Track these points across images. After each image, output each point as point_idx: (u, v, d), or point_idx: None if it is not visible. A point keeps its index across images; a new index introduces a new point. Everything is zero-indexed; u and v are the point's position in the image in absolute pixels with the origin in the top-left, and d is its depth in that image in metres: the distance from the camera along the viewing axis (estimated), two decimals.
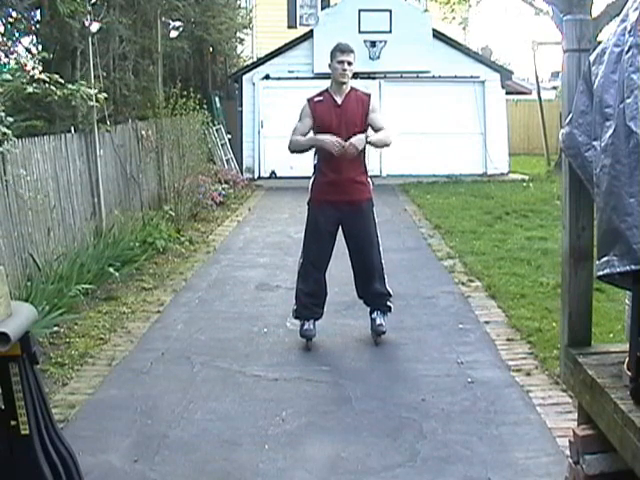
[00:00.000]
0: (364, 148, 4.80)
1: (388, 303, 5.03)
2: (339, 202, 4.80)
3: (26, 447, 2.32)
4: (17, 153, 5.73)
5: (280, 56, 15.16)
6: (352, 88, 4.85)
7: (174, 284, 6.67)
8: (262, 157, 15.14)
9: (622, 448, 2.17)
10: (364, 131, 4.77)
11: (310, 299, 4.96)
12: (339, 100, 4.78)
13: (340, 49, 4.75)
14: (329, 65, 4.81)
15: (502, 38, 64.07)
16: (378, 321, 4.98)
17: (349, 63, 4.73)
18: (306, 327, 4.95)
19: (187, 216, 9.66)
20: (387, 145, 4.92)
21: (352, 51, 4.78)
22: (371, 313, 5.04)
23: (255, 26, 19.29)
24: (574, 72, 2.58)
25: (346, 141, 4.63)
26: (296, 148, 4.82)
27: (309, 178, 4.96)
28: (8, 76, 5.60)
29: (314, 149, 4.85)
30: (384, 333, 4.98)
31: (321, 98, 4.83)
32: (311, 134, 4.82)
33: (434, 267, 7.25)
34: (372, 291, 4.99)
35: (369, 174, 4.97)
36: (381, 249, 4.97)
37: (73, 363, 4.64)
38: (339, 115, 4.75)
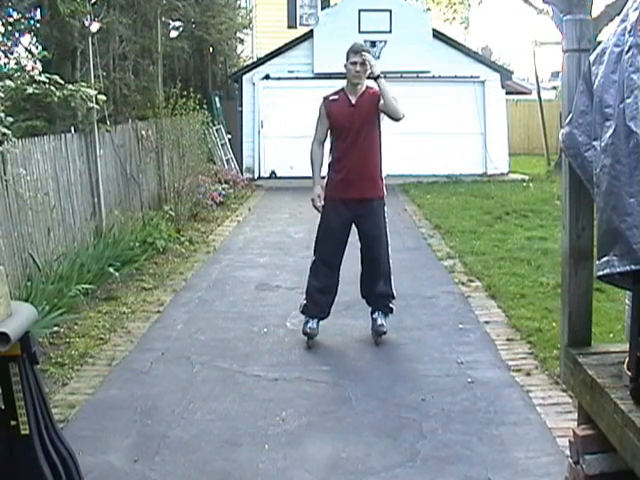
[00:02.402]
0: (380, 148, 4.89)
1: (390, 305, 5.05)
2: (351, 200, 4.85)
3: (26, 447, 2.31)
4: (17, 153, 5.73)
5: (280, 56, 15.15)
6: (367, 87, 4.90)
7: (174, 284, 6.66)
8: (262, 157, 15.14)
9: (622, 448, 2.17)
10: (378, 128, 4.87)
11: (321, 295, 5.00)
12: (353, 100, 4.84)
13: (353, 50, 4.81)
14: (344, 65, 4.86)
15: (502, 38, 64.11)
16: (379, 321, 5.00)
17: (362, 63, 4.75)
18: (310, 325, 4.98)
19: (187, 216, 9.65)
20: (395, 107, 4.80)
21: (364, 50, 4.82)
22: (372, 313, 5.06)
23: (255, 26, 19.29)
24: (574, 72, 2.58)
25: (359, 137, 4.77)
26: (310, 161, 4.97)
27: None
28: (9, 82, 5.59)
29: (330, 145, 4.98)
30: (385, 333, 4.99)
31: (336, 97, 4.91)
32: (317, 179, 4.94)
33: (434, 267, 7.25)
34: (376, 291, 5.02)
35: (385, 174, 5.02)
36: (389, 249, 5.02)
37: (73, 363, 4.64)
38: (353, 114, 4.81)
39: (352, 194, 4.83)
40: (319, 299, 5.01)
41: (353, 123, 4.79)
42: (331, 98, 4.91)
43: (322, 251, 5.00)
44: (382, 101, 4.78)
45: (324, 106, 4.91)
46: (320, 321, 5.03)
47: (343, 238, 4.97)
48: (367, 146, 4.84)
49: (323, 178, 5.01)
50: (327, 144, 5.02)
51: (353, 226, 4.99)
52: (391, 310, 5.06)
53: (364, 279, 5.08)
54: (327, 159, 5.00)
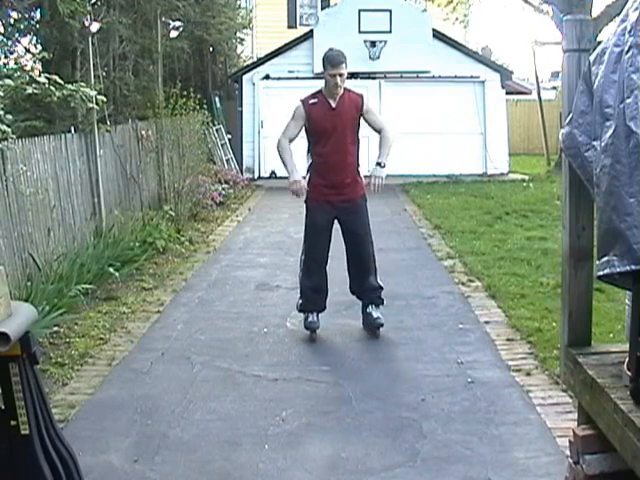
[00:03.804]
0: (358, 149, 5.04)
1: (381, 296, 5.15)
2: (335, 201, 4.98)
3: (26, 447, 2.31)
4: (17, 153, 5.73)
5: (280, 56, 15.15)
6: (345, 89, 4.93)
7: (174, 284, 6.66)
8: (262, 157, 15.14)
9: (622, 448, 2.17)
10: (357, 132, 4.99)
11: (315, 293, 5.12)
12: (333, 104, 4.91)
13: (331, 63, 4.82)
14: (323, 73, 4.91)
15: (502, 38, 64.14)
16: (375, 314, 5.11)
17: (340, 75, 4.81)
18: (311, 319, 5.11)
19: (187, 216, 9.65)
20: (394, 143, 5.10)
21: (342, 61, 4.83)
22: (366, 307, 5.16)
23: (255, 26, 19.28)
24: (574, 72, 2.58)
25: (339, 141, 4.88)
26: (279, 155, 5.03)
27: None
28: (9, 81, 5.59)
29: (307, 147, 5.08)
30: (382, 325, 5.08)
31: (315, 100, 4.93)
32: (293, 167, 4.93)
33: (434, 267, 7.25)
34: (367, 285, 5.13)
35: (366, 173, 5.13)
36: (373, 243, 5.13)
37: (73, 363, 4.64)
38: (333, 118, 4.88)
39: (337, 197, 4.97)
40: (314, 297, 5.14)
41: (335, 127, 4.87)
42: (310, 102, 4.94)
43: (313, 250, 5.10)
44: (367, 117, 4.97)
45: (303, 108, 4.94)
46: (319, 314, 5.15)
47: (329, 235, 5.11)
48: (349, 150, 4.96)
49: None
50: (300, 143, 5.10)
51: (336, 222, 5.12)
52: (382, 301, 5.16)
53: (353, 275, 5.19)
54: (306, 160, 5.11)
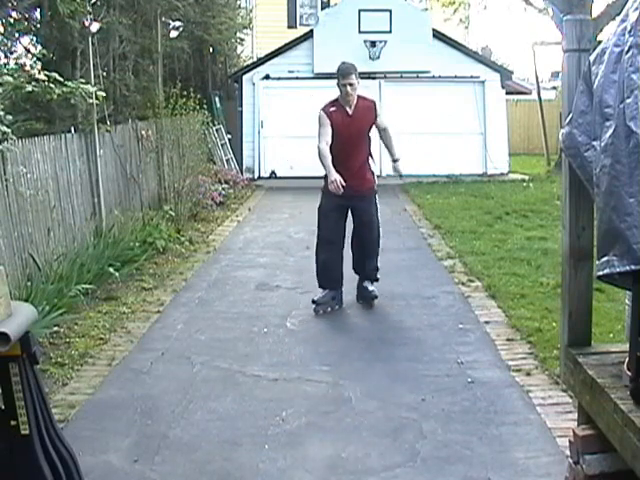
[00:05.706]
0: (369, 150, 5.58)
1: (377, 275, 5.82)
2: (348, 193, 5.29)
3: (26, 447, 2.31)
4: (17, 153, 5.73)
5: (280, 56, 15.15)
6: (358, 96, 5.44)
7: (174, 284, 6.66)
8: (262, 157, 15.14)
9: (622, 448, 2.17)
10: (369, 134, 5.53)
11: (324, 270, 5.60)
12: (350, 111, 5.45)
13: (342, 74, 5.36)
14: (337, 84, 5.38)
15: (502, 38, 64.13)
16: (370, 288, 5.71)
17: (351, 84, 5.34)
18: (320, 295, 5.58)
19: (187, 216, 9.65)
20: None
21: (351, 72, 5.35)
22: (362, 282, 5.82)
23: (255, 26, 19.29)
24: (574, 72, 2.58)
25: (354, 145, 5.42)
26: (321, 161, 5.32)
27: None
28: (9, 78, 5.59)
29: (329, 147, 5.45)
30: (377, 297, 5.67)
31: (334, 109, 5.42)
32: (332, 167, 5.21)
33: (434, 267, 7.25)
34: (369, 267, 5.72)
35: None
36: (380, 230, 5.70)
37: (73, 363, 4.64)
38: (349, 124, 5.39)
39: (349, 190, 5.27)
40: (324, 273, 5.63)
41: (350, 133, 5.37)
42: (331, 110, 5.40)
43: (322, 230, 5.62)
44: (377, 120, 5.55)
45: (326, 115, 5.36)
46: (331, 292, 5.60)
47: (341, 217, 5.56)
48: (360, 151, 5.49)
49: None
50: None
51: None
52: (377, 278, 5.79)
53: (357, 257, 5.73)
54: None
